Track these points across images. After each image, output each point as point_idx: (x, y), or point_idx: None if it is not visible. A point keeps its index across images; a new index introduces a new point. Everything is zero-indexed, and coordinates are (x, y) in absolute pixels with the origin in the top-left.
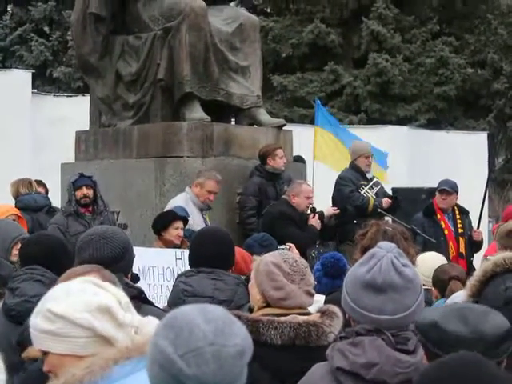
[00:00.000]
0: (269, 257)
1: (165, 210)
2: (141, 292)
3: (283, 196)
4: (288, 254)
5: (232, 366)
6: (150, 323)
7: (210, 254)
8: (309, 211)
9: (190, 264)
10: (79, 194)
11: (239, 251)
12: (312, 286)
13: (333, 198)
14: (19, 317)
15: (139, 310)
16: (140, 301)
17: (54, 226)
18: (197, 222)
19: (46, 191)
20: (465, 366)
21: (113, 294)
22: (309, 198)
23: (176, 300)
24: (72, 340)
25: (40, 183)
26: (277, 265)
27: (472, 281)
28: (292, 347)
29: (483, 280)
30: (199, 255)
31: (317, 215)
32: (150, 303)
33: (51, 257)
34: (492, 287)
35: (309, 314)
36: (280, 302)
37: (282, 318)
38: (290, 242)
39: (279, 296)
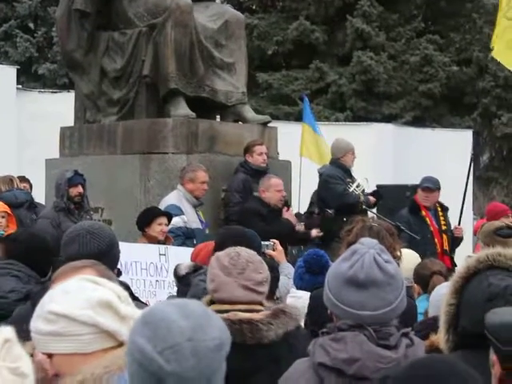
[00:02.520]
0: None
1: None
2: (127, 287)
3: (254, 193)
4: (238, 248)
5: (211, 359)
6: None
7: None
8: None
9: None
10: (74, 191)
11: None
12: (254, 282)
13: (320, 196)
14: None
15: None
16: None
17: (47, 221)
18: (191, 219)
19: (30, 186)
20: (433, 367)
21: (111, 289)
22: (279, 191)
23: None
24: (76, 338)
25: (23, 179)
26: (217, 257)
27: (455, 277)
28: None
29: (466, 276)
30: None
31: (291, 208)
32: (136, 298)
33: (31, 254)
34: (475, 283)
35: (257, 311)
36: (213, 293)
37: (223, 315)
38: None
39: (211, 287)
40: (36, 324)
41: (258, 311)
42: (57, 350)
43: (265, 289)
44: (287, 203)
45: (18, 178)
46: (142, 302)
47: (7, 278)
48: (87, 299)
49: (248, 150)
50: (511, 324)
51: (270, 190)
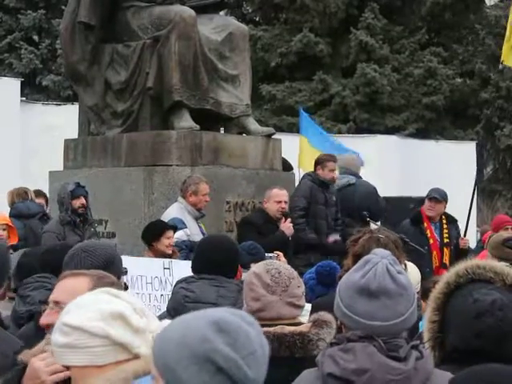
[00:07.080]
0: (254, 267)
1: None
2: None
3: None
4: (274, 264)
5: (265, 364)
6: None
7: (218, 260)
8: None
9: (193, 269)
10: (77, 203)
11: None
12: (297, 297)
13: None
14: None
15: None
16: None
17: (52, 235)
18: (194, 231)
19: (46, 201)
20: (493, 375)
21: (126, 301)
22: (278, 202)
23: (177, 306)
24: (89, 350)
25: (39, 193)
26: (258, 275)
27: (435, 293)
28: (277, 358)
29: (447, 292)
30: (206, 261)
31: (288, 219)
32: None
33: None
34: (459, 300)
35: (299, 324)
36: (257, 313)
37: (270, 329)
38: None
39: (256, 307)
40: (54, 336)
41: (299, 324)
42: (72, 362)
43: (303, 302)
44: (287, 214)
45: (35, 191)
46: None
47: (41, 291)
48: (99, 311)
49: (320, 163)
50: None
51: (270, 200)
